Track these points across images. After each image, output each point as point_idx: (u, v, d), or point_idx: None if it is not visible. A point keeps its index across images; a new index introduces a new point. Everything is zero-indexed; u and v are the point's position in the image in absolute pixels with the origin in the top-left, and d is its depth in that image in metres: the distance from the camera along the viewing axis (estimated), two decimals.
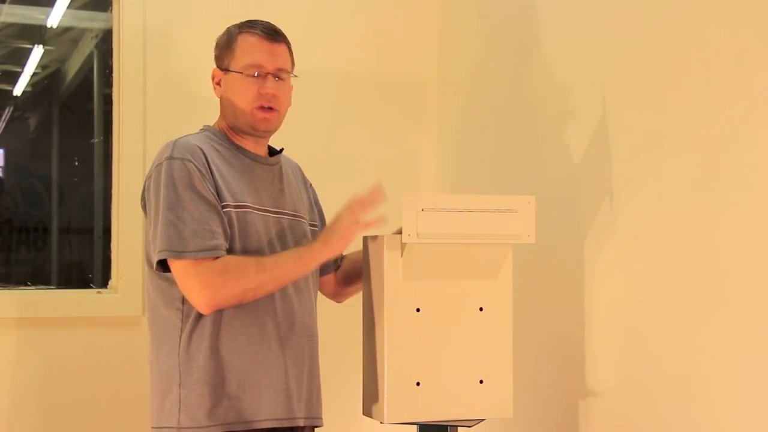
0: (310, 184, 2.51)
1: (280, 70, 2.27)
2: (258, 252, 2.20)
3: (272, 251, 2.23)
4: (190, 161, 2.15)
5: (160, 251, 2.13)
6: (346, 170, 3.33)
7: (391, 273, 2.17)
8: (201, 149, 2.19)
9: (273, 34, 2.27)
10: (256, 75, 2.24)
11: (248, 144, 2.30)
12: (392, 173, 3.43)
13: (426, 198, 2.16)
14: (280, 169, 2.36)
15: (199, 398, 2.15)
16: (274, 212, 2.27)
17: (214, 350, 2.16)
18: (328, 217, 2.55)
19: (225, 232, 2.15)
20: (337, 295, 2.55)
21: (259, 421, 2.18)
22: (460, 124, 3.37)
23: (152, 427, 2.22)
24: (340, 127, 3.37)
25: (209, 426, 2.14)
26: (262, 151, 2.34)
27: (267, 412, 2.19)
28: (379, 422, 2.23)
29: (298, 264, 2.18)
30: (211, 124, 2.36)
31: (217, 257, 2.12)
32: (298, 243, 2.30)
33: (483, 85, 3.22)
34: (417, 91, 3.49)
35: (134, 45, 3.13)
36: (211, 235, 2.12)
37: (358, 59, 3.42)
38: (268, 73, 2.25)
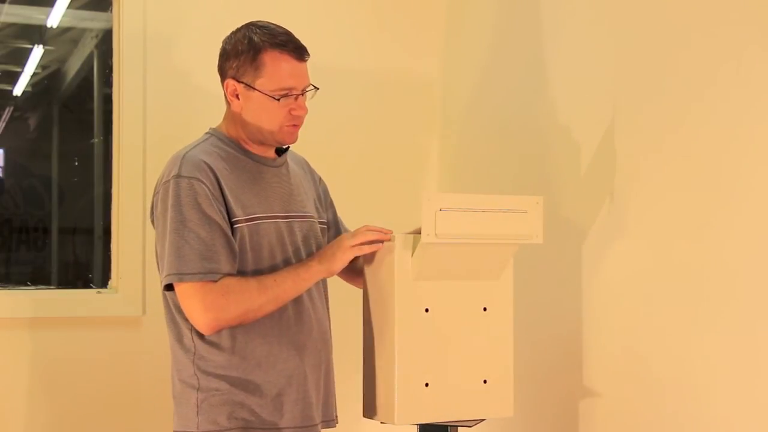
0: (320, 178, 2.47)
1: (307, 86, 2.23)
2: (270, 260, 2.19)
3: (285, 256, 2.21)
4: (198, 179, 2.12)
5: (167, 275, 2.13)
6: (350, 170, 3.32)
7: (402, 273, 2.16)
8: (208, 164, 2.15)
9: (301, 52, 2.21)
10: (286, 96, 2.19)
11: (256, 149, 2.27)
12: (396, 173, 3.43)
13: (444, 198, 2.15)
14: (287, 167, 2.33)
15: (218, 403, 2.14)
16: (284, 217, 2.25)
17: (234, 362, 2.16)
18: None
19: (232, 252, 2.14)
20: (355, 282, 2.46)
21: (280, 429, 2.18)
22: (465, 124, 3.37)
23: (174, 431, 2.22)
24: (344, 126, 3.36)
25: (229, 429, 2.13)
26: (270, 153, 2.30)
27: (288, 420, 2.19)
28: (380, 423, 2.22)
29: (297, 282, 2.17)
30: (215, 125, 2.30)
31: (219, 279, 2.11)
32: (309, 245, 2.28)
33: (487, 85, 3.22)
34: (422, 91, 3.48)
35: (134, 45, 3.12)
36: (216, 257, 2.10)
37: (363, 59, 3.41)
38: (299, 95, 2.21)
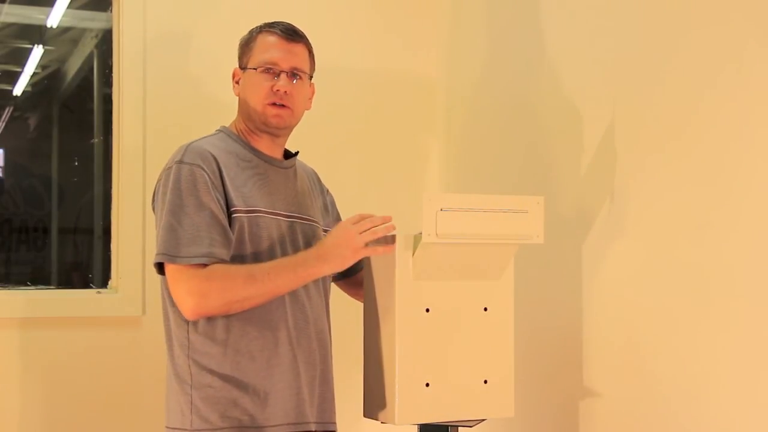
0: (327, 191, 2.49)
1: (296, 68, 2.26)
2: (270, 256, 2.19)
3: (284, 254, 2.21)
4: (200, 167, 2.14)
5: (157, 254, 2.14)
6: (350, 169, 3.32)
7: (403, 273, 2.16)
8: (212, 154, 2.17)
9: (291, 34, 2.28)
10: (269, 71, 2.24)
11: (263, 145, 2.28)
12: (399, 173, 3.43)
13: (445, 197, 2.16)
14: (295, 172, 2.34)
15: (211, 401, 2.14)
16: (286, 216, 2.25)
17: (228, 355, 2.15)
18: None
19: (227, 240, 2.14)
20: (357, 296, 2.48)
21: (272, 427, 2.17)
22: (468, 125, 3.37)
23: (166, 427, 2.21)
24: (345, 126, 3.36)
25: (222, 428, 2.13)
26: (278, 153, 2.32)
27: (280, 417, 2.18)
28: (380, 422, 2.22)
29: (293, 280, 2.15)
30: (216, 125, 2.33)
31: (209, 264, 2.11)
32: (309, 247, 2.26)
33: (490, 86, 3.22)
34: (425, 91, 3.48)
35: (134, 45, 3.12)
36: (209, 242, 2.11)
37: (364, 58, 3.41)
38: (282, 71, 2.24)
